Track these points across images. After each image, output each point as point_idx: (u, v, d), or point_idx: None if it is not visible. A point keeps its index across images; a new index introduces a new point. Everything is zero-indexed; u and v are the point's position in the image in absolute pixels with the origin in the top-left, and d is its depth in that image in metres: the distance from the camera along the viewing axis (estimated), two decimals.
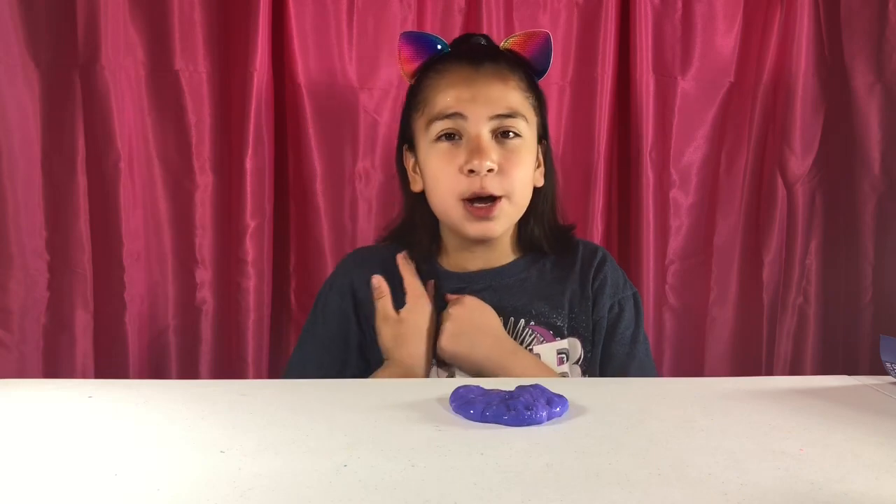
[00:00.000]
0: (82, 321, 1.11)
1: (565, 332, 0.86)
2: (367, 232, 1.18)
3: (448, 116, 0.82)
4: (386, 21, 1.17)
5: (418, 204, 0.90)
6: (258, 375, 1.13)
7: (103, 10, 1.06)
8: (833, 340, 1.25)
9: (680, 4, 1.20)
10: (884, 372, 0.67)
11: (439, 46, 0.87)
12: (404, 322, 0.83)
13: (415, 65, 0.87)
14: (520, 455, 0.45)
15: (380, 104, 1.18)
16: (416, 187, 0.89)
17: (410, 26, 1.17)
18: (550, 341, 0.86)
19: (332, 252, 1.16)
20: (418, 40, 0.88)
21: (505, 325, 0.85)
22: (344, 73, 1.17)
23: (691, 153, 1.23)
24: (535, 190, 0.89)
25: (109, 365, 1.11)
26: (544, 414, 0.52)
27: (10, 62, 1.07)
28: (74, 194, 1.09)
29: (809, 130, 1.21)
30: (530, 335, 0.85)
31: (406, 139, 0.90)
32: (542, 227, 0.90)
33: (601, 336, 0.87)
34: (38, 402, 0.58)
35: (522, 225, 0.90)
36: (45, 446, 0.47)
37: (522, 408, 0.52)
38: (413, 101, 0.88)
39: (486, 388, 0.57)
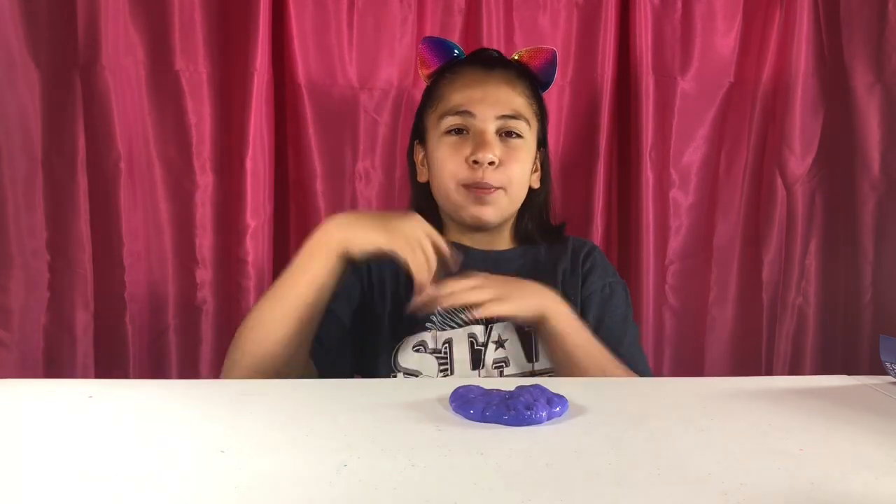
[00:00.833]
0: (82, 321, 1.11)
1: None
2: None
3: (458, 113, 0.89)
4: (386, 21, 1.17)
5: (422, 193, 0.96)
6: None
7: (104, 10, 1.06)
8: (833, 340, 1.25)
9: (680, 5, 1.20)
10: (883, 372, 0.67)
11: (456, 52, 0.96)
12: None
13: (433, 67, 0.96)
14: (520, 455, 0.45)
15: (380, 104, 1.18)
16: (422, 178, 0.96)
17: (410, 27, 1.17)
18: None
19: None
20: (438, 45, 0.96)
21: None
22: (344, 73, 1.17)
23: (691, 153, 1.23)
24: (531, 191, 0.95)
25: (109, 365, 1.11)
26: (544, 414, 0.52)
27: (11, 62, 1.07)
28: (75, 194, 1.09)
29: (809, 130, 1.21)
30: None
31: (418, 135, 0.97)
32: (535, 222, 0.97)
33: (590, 313, 0.89)
34: (38, 402, 0.58)
35: (518, 220, 0.97)
36: (45, 446, 0.47)
37: (522, 408, 0.52)
38: (428, 99, 0.95)
39: (486, 388, 0.57)
